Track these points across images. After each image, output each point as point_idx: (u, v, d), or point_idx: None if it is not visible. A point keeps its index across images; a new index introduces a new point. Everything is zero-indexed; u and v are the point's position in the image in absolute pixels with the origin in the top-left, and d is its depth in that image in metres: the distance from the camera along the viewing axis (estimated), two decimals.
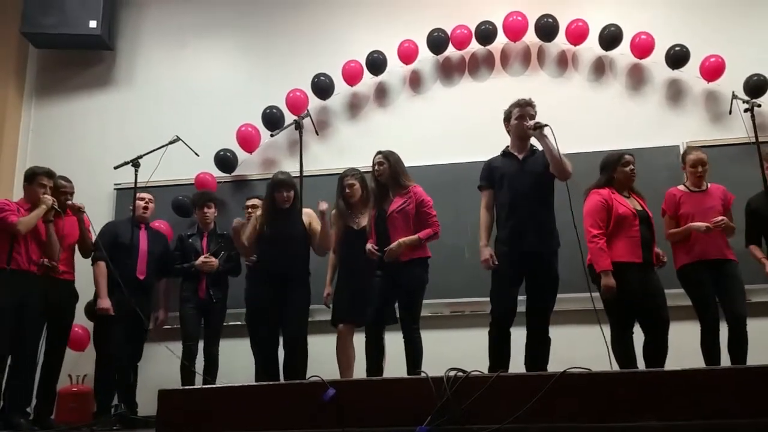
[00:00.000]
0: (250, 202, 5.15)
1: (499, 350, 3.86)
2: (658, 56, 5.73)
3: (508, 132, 4.12)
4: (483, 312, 4.57)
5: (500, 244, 3.97)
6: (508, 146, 4.14)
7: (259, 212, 4.86)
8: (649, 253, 4.12)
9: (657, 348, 4.06)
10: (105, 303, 4.76)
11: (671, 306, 4.14)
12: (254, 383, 4.21)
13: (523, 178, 3.95)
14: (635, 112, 5.82)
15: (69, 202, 4.74)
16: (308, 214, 4.57)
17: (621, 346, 4.04)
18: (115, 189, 6.16)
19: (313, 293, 4.58)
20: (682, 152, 4.96)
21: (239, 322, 5.03)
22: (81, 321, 5.40)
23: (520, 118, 4.00)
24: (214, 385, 3.92)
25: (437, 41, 6.00)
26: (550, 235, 3.92)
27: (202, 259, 4.91)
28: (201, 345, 4.96)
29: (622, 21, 5.78)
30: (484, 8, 6.08)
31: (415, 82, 6.23)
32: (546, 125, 3.84)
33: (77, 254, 4.99)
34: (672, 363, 3.92)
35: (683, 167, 4.57)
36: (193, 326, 4.89)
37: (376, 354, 4.16)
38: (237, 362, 4.76)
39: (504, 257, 3.92)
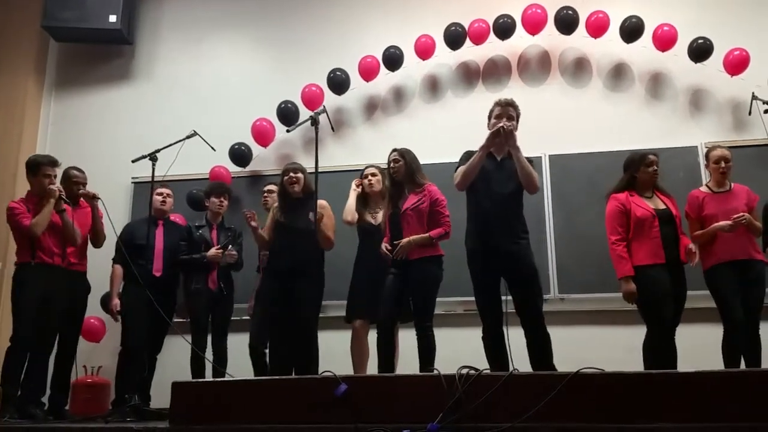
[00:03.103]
0: (267, 188, 5.16)
1: (497, 352, 3.82)
2: (679, 49, 5.64)
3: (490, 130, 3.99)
4: None
5: (470, 244, 3.91)
6: None
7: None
8: (674, 251, 4.06)
9: (662, 347, 3.98)
10: (112, 304, 4.94)
11: (694, 308, 4.07)
12: (267, 377, 4.24)
13: (498, 177, 3.87)
14: (654, 113, 5.78)
15: (82, 191, 4.74)
16: (322, 207, 4.56)
17: (659, 347, 3.95)
18: (132, 182, 6.21)
19: (328, 289, 4.60)
20: (704, 152, 4.89)
21: (247, 317, 5.03)
22: (98, 313, 5.46)
23: (498, 117, 3.91)
24: (227, 379, 3.94)
25: (454, 35, 5.96)
26: (515, 233, 3.82)
27: (214, 250, 4.86)
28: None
29: (644, 13, 5.70)
30: (503, 2, 6.02)
31: (431, 85, 6.22)
32: (501, 126, 3.75)
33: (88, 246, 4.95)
34: (690, 365, 3.88)
35: (707, 165, 4.52)
36: (203, 319, 4.90)
37: (388, 351, 4.15)
38: (247, 356, 4.74)
39: (475, 260, 3.86)
